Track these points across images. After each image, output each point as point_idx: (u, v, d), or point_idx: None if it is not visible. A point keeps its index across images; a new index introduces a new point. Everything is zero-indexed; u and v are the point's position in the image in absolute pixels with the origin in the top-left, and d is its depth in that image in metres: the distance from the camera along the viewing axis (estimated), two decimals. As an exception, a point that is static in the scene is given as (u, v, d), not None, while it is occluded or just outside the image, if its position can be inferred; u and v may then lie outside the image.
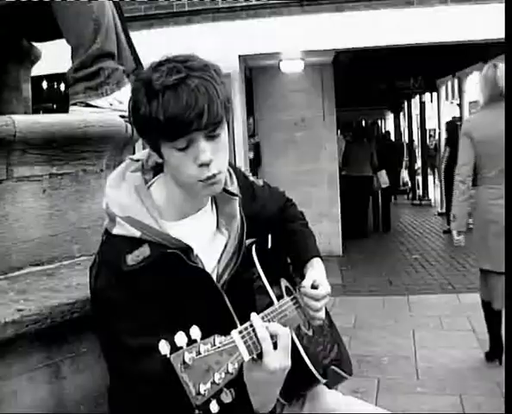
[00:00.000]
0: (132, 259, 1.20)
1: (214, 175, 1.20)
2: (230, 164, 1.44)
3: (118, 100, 1.98)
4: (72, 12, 1.96)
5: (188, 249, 1.25)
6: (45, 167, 1.79)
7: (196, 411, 0.96)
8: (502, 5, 2.04)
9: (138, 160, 1.34)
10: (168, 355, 0.96)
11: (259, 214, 1.50)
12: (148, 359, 1.06)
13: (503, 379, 1.95)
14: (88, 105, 1.96)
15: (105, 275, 1.23)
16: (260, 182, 1.56)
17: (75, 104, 1.98)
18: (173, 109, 1.12)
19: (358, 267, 7.47)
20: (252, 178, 1.54)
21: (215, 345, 1.00)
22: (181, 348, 0.97)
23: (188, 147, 1.17)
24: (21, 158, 1.72)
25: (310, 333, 1.44)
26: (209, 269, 1.31)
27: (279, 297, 1.36)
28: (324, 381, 1.36)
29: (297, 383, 1.33)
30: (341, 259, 8.00)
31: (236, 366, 1.01)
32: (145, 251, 1.21)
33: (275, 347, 1.10)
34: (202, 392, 0.95)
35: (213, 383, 0.97)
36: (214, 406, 0.98)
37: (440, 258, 7.86)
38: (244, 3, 6.39)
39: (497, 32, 4.49)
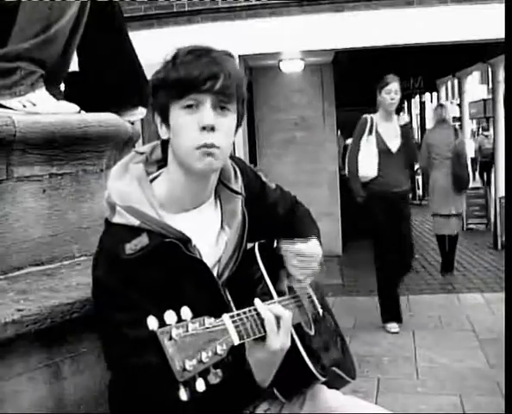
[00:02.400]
0: (130, 247, 1.22)
1: (212, 145, 1.23)
2: (237, 161, 1.45)
3: (32, 102, 1.93)
4: (30, 6, 1.92)
5: (186, 240, 1.26)
6: (45, 167, 1.79)
7: (181, 388, 0.97)
8: (502, 5, 2.04)
9: (142, 153, 1.37)
10: (155, 330, 0.96)
11: (269, 214, 1.52)
12: (147, 350, 1.06)
13: (503, 379, 1.95)
14: (1, 106, 1.91)
15: (104, 263, 1.25)
16: (273, 185, 1.57)
17: None
18: (191, 66, 1.21)
19: (358, 267, 7.46)
20: (264, 179, 1.55)
21: (204, 325, 1.01)
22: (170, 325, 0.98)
23: (195, 109, 1.23)
24: (21, 158, 1.72)
25: (312, 332, 1.44)
26: (210, 265, 1.32)
27: (281, 296, 1.37)
28: (323, 380, 1.36)
29: (296, 381, 1.34)
30: (341, 259, 7.99)
31: (225, 347, 1.02)
32: (143, 240, 1.23)
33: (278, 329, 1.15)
34: (187, 368, 0.96)
35: (200, 361, 0.98)
36: (200, 385, 0.98)
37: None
38: (244, 3, 6.39)
39: (497, 32, 4.48)
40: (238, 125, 1.32)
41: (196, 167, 1.25)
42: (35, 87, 1.95)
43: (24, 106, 1.91)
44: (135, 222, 1.24)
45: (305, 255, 1.40)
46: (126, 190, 1.29)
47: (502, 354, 1.85)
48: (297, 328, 1.35)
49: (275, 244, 1.55)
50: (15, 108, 1.91)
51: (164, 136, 1.30)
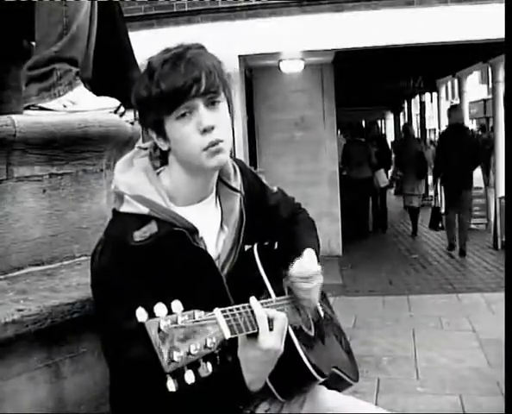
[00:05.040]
0: (139, 235, 1.22)
1: (217, 141, 1.24)
2: (237, 161, 1.46)
3: (71, 101, 1.95)
4: (45, 10, 1.95)
5: (194, 230, 1.27)
6: (45, 167, 1.79)
7: (169, 379, 0.97)
8: (502, 5, 2.04)
9: (146, 149, 1.37)
10: (143, 321, 0.97)
11: (270, 217, 1.53)
12: (138, 341, 1.05)
13: (503, 379, 1.95)
14: (41, 108, 1.94)
15: (111, 252, 1.24)
16: (275, 188, 1.58)
17: (28, 108, 1.96)
18: (172, 78, 1.20)
19: (358, 267, 7.47)
20: (264, 181, 1.55)
21: (194, 318, 1.02)
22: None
23: (190, 115, 1.23)
24: (21, 158, 1.72)
25: (312, 333, 1.44)
26: None
27: (280, 296, 1.37)
28: (321, 380, 1.36)
29: (294, 380, 1.33)
30: (341, 259, 8.00)
31: (215, 340, 1.02)
32: (152, 227, 1.23)
33: (270, 329, 1.15)
34: (175, 359, 0.96)
35: (188, 353, 0.98)
36: (189, 377, 0.98)
37: (440, 258, 7.85)
38: (244, 3, 6.39)
39: (497, 32, 4.48)
40: (230, 108, 1.32)
41: (209, 166, 1.26)
42: (73, 86, 1.98)
43: (65, 106, 1.95)
44: (145, 210, 1.25)
45: (303, 274, 1.39)
46: (134, 180, 1.29)
47: (502, 354, 1.85)
48: (296, 328, 1.36)
49: (275, 246, 1.55)
50: (55, 109, 1.94)
51: (164, 148, 1.30)
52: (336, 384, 1.49)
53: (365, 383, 3.67)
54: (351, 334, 4.59)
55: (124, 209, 1.27)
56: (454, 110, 8.29)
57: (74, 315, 1.46)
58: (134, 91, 1.27)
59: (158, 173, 1.34)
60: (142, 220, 1.24)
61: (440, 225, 8.88)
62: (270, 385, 1.28)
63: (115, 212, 1.30)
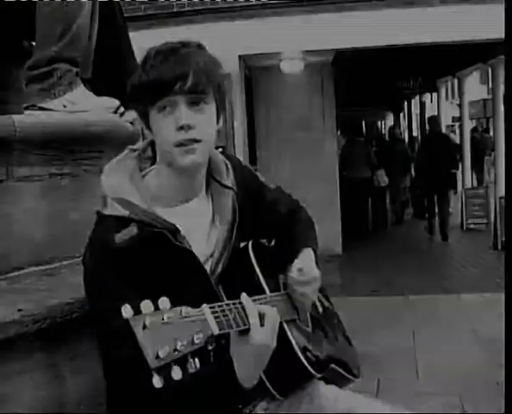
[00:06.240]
0: (120, 237, 1.24)
1: (191, 141, 1.24)
2: (230, 157, 1.46)
3: (71, 101, 1.97)
4: (46, 10, 1.96)
5: (175, 230, 1.27)
6: (45, 167, 1.79)
7: (155, 375, 0.97)
8: (502, 5, 2.04)
9: (136, 150, 1.39)
10: (129, 318, 0.97)
11: (268, 213, 1.53)
12: (126, 339, 1.05)
13: (503, 379, 1.95)
14: (41, 108, 1.95)
15: (94, 253, 1.26)
16: (273, 185, 1.57)
17: (28, 108, 1.97)
18: (160, 70, 1.22)
19: (358, 267, 7.47)
20: (262, 179, 1.55)
21: (181, 315, 1.02)
22: None
23: (170, 110, 1.24)
24: (21, 158, 1.72)
25: (309, 329, 1.44)
26: (203, 260, 1.33)
27: (275, 292, 1.37)
28: (318, 376, 1.36)
29: (291, 376, 1.34)
30: (341, 259, 8.00)
31: (202, 336, 1.02)
32: (133, 230, 1.25)
33: (262, 325, 1.15)
34: (160, 355, 0.96)
35: (174, 349, 0.98)
36: (176, 373, 0.98)
37: (440, 258, 7.85)
38: (244, 3, 6.39)
39: (497, 32, 4.48)
40: (220, 111, 1.32)
41: (180, 164, 1.27)
42: (73, 86, 1.99)
43: (65, 106, 1.95)
44: (125, 212, 1.26)
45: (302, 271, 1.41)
46: (117, 183, 1.31)
47: (502, 354, 1.85)
48: (293, 324, 1.36)
49: (273, 243, 1.55)
50: (55, 109, 1.95)
51: (149, 138, 1.34)
52: (336, 380, 1.49)
53: (365, 383, 3.66)
54: (351, 334, 4.58)
55: (107, 211, 1.28)
56: (433, 120, 9.54)
57: (74, 315, 1.46)
58: (128, 80, 1.29)
59: (145, 174, 1.35)
60: (124, 222, 1.25)
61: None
62: (267, 383, 1.28)
63: (100, 215, 1.31)
